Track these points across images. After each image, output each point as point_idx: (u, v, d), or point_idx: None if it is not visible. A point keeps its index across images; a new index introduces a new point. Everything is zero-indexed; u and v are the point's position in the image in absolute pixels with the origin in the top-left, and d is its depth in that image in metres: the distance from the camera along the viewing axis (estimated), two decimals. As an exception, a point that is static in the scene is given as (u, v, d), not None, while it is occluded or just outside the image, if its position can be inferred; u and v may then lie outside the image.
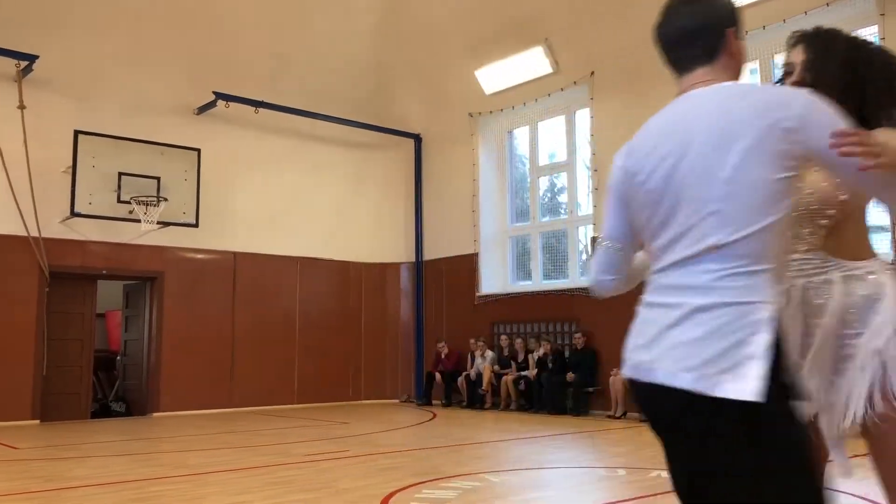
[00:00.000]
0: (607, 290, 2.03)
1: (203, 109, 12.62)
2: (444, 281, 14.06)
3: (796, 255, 2.01)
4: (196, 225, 12.06)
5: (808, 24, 9.33)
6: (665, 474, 5.84)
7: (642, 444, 8.33)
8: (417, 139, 14.76)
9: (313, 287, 13.84)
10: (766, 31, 9.73)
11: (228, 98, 12.48)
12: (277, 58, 13.25)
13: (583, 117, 12.39)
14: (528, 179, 13.71)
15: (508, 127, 13.80)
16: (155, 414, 12.00)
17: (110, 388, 13.50)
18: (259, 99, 12.79)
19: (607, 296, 2.07)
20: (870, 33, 9.25)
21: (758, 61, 10.55)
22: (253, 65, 13.09)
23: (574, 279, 12.42)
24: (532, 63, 12.53)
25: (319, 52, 13.57)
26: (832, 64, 2.05)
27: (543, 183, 13.89)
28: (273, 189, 13.54)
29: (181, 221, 11.92)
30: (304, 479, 6.04)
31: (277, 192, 13.58)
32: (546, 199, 14.00)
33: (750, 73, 10.98)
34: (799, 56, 2.13)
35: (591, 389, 11.26)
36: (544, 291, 12.58)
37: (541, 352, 11.81)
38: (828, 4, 9.21)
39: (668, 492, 5.28)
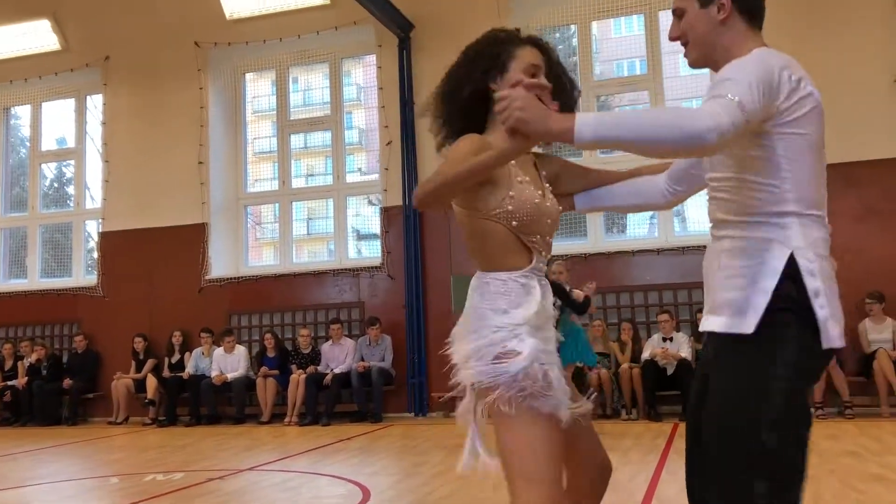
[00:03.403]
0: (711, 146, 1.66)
1: None
2: None
3: (539, 259, 2.07)
4: None
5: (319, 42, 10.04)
6: (160, 477, 5.68)
7: (142, 448, 8.02)
8: None
9: None
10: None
11: None
12: None
13: (96, 103, 11.52)
14: (29, 165, 12.23)
15: (5, 104, 12.16)
16: None
17: None
18: None
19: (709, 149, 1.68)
20: (369, 62, 10.38)
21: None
22: None
23: (78, 277, 11.45)
24: (37, 36, 11.24)
25: None
26: None
27: (49, 171, 12.55)
28: None
29: None
30: None
31: None
32: (51, 189, 12.67)
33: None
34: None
35: (90, 395, 10.47)
36: (42, 291, 11.33)
37: (33, 357, 10.59)
38: (336, 28, 10.04)
39: (162, 494, 5.15)
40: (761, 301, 1.77)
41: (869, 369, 7.65)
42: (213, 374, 9.70)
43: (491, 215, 2.01)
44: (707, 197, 2.00)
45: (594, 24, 9.92)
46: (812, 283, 1.77)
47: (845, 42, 8.21)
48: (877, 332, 7.80)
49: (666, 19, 9.43)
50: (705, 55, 1.99)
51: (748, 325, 1.78)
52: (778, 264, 1.78)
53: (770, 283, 1.78)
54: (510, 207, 1.99)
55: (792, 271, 1.78)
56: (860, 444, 5.88)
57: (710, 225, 1.98)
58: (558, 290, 6.42)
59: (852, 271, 7.78)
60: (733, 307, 1.82)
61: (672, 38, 2.05)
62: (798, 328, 1.77)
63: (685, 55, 2.04)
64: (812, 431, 1.82)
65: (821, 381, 7.60)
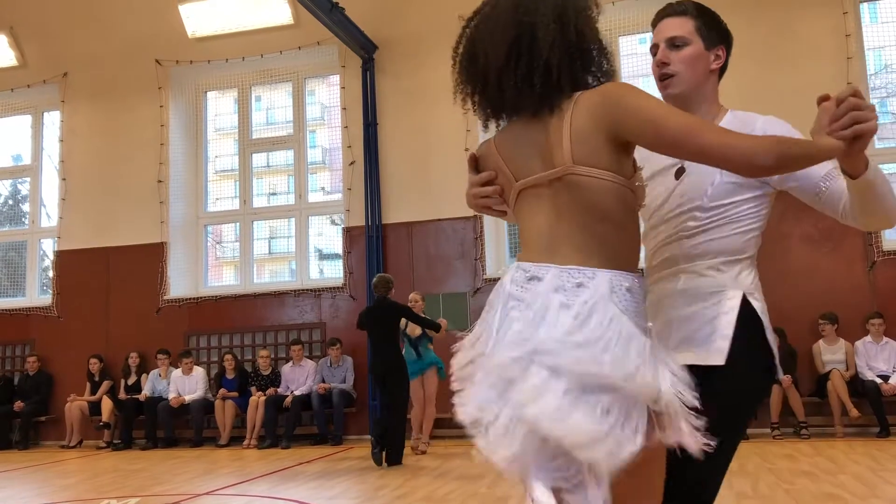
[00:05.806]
0: None
1: None
2: None
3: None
4: None
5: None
6: (115, 502, 5.53)
7: (96, 472, 7.82)
8: None
9: None
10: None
11: None
12: None
13: (53, 120, 11.33)
14: (-19, 182, 11.97)
15: (-42, 119, 11.91)
16: None
17: None
18: None
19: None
20: (333, 83, 10.39)
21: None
22: None
23: (32, 297, 11.19)
24: (-8, 50, 11.05)
25: None
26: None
27: (3, 188, 12.29)
28: None
29: None
30: None
31: None
32: (6, 207, 12.39)
33: (230, 101, 11.25)
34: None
35: (42, 418, 10.20)
36: (-6, 311, 11.06)
37: (-17, 380, 10.30)
38: (299, 48, 10.04)
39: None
40: (725, 343, 1.87)
41: (823, 390, 7.78)
42: (171, 396, 9.52)
43: (635, 186, 1.72)
44: (663, 240, 2.01)
45: (556, 49, 10.04)
46: (765, 320, 1.93)
47: (800, 76, 8.39)
48: (830, 353, 7.95)
49: (626, 45, 9.59)
50: (688, 95, 1.99)
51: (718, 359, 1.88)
52: (734, 305, 1.91)
53: (730, 321, 1.89)
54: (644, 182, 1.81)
55: (746, 310, 1.91)
56: (815, 465, 5.97)
57: (666, 266, 2.00)
58: (415, 317, 7.35)
59: (806, 293, 7.95)
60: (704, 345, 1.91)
61: (659, 63, 2.00)
62: (750, 361, 1.91)
63: (665, 87, 2.00)
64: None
65: (777, 403, 7.74)
